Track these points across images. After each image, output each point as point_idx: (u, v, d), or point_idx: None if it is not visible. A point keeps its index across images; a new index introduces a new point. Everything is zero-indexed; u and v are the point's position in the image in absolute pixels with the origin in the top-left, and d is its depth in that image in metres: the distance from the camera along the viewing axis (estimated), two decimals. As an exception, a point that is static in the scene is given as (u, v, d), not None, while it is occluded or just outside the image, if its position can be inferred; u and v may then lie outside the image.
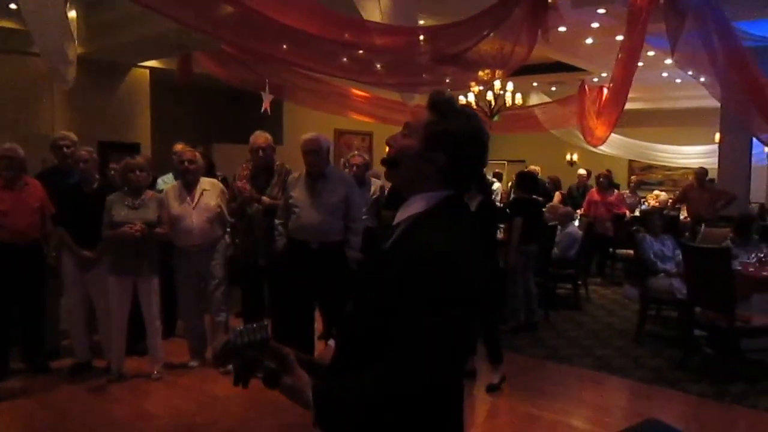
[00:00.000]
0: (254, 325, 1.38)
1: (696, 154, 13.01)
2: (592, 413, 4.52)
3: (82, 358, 4.95)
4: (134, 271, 4.66)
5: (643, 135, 13.84)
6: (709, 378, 4.93)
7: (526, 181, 6.55)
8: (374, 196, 5.98)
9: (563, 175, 12.50)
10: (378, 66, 6.81)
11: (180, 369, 4.99)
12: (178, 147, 5.66)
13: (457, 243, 1.40)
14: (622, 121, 7.70)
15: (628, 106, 7.20)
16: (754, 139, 8.05)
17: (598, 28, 7.92)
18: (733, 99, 6.75)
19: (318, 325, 4.87)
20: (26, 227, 4.73)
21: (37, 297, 4.90)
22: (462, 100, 9.60)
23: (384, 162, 1.60)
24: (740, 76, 6.18)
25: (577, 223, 8.08)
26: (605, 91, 8.19)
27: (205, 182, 5.04)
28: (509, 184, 11.84)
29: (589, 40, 8.67)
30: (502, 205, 8.84)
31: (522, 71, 7.65)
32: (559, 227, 7.32)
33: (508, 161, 14.80)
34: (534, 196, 6.62)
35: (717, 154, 9.10)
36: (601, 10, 7.06)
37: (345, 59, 6.62)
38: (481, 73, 7.54)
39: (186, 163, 4.92)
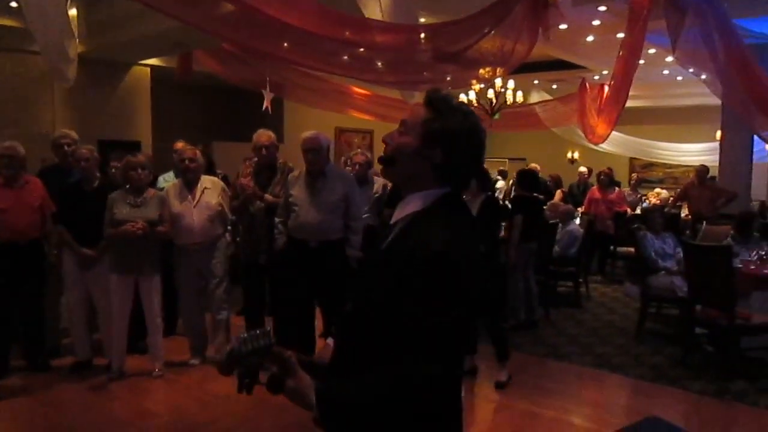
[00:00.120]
0: (257, 332, 1.38)
1: (697, 152, 12.99)
2: (592, 411, 4.52)
3: (82, 356, 4.95)
4: (136, 269, 4.67)
5: (644, 133, 13.82)
6: (709, 376, 4.93)
7: (526, 179, 6.55)
8: (377, 195, 5.97)
9: (564, 173, 12.50)
10: (379, 64, 6.81)
11: (181, 367, 5.00)
12: (179, 145, 5.67)
13: (455, 242, 1.39)
14: (623, 118, 7.69)
15: (629, 103, 7.20)
16: (755, 137, 8.05)
17: (598, 25, 7.92)
18: (734, 96, 6.74)
19: (319, 323, 4.87)
20: (26, 226, 4.73)
21: (38, 295, 4.90)
22: (463, 98, 9.59)
23: (381, 160, 1.60)
24: (741, 73, 6.17)
25: (578, 221, 8.09)
26: (606, 88, 8.18)
27: (206, 180, 5.04)
28: (510, 182, 11.83)
29: (589, 38, 8.67)
30: (504, 203, 8.83)
31: (523, 69, 7.65)
32: (560, 225, 7.32)
33: (509, 159, 14.79)
34: (534, 194, 6.62)
35: (718, 151, 9.10)
36: (602, 8, 7.05)
37: (346, 57, 6.62)
38: (481, 71, 7.55)
39: (187, 162, 4.92)
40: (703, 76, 6.73)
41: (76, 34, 6.60)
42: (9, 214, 4.64)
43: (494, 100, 9.49)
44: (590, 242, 7.89)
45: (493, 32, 5.88)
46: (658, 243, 6.19)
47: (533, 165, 11.49)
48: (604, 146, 10.91)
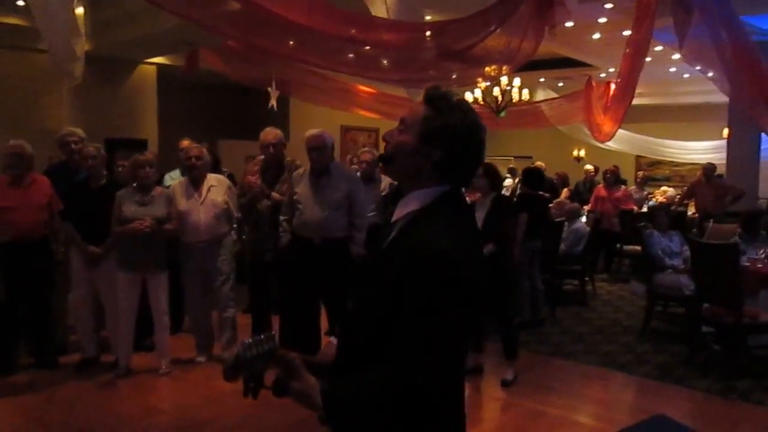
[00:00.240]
0: (261, 337, 1.39)
1: (704, 150, 12.95)
2: (597, 409, 4.52)
3: (89, 353, 4.97)
4: (143, 267, 4.69)
5: (651, 130, 13.77)
6: (715, 374, 4.91)
7: (531, 177, 6.54)
8: (384, 193, 5.95)
9: (570, 171, 12.47)
10: (384, 62, 6.81)
11: (187, 364, 5.01)
12: (185, 143, 5.68)
13: (455, 241, 1.39)
14: (630, 116, 7.67)
15: (635, 101, 7.18)
16: (763, 135, 8.02)
17: (605, 23, 7.89)
18: (741, 94, 6.72)
19: (324, 321, 4.87)
20: (34, 224, 4.75)
21: (45, 293, 4.93)
22: (469, 96, 9.59)
23: (380, 158, 1.60)
24: (748, 70, 6.14)
25: (584, 219, 8.06)
26: (612, 86, 8.17)
27: (212, 178, 5.05)
28: (516, 180, 11.82)
29: (596, 35, 8.64)
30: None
31: (528, 67, 7.64)
32: (566, 223, 7.30)
33: (515, 157, 14.76)
34: (540, 192, 6.61)
35: (725, 149, 9.06)
36: (609, 5, 7.03)
37: (351, 55, 6.62)
38: (487, 68, 7.53)
39: (193, 159, 4.94)
40: (710, 74, 6.72)
41: (82, 32, 6.62)
42: (16, 212, 4.67)
43: (500, 98, 9.48)
44: (596, 240, 7.87)
45: (499, 30, 5.87)
46: (664, 241, 6.16)
47: (539, 163, 11.46)
48: (610, 144, 10.89)
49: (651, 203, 10.86)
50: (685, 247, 5.94)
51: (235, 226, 5.32)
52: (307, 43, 6.09)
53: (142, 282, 4.73)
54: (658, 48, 8.34)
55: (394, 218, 1.52)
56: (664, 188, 12.09)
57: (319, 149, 4.51)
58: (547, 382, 4.85)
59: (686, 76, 11.02)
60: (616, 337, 6.00)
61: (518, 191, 8.86)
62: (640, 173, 13.34)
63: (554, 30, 5.82)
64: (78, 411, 4.25)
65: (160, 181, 5.40)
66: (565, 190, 10.79)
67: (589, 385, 4.99)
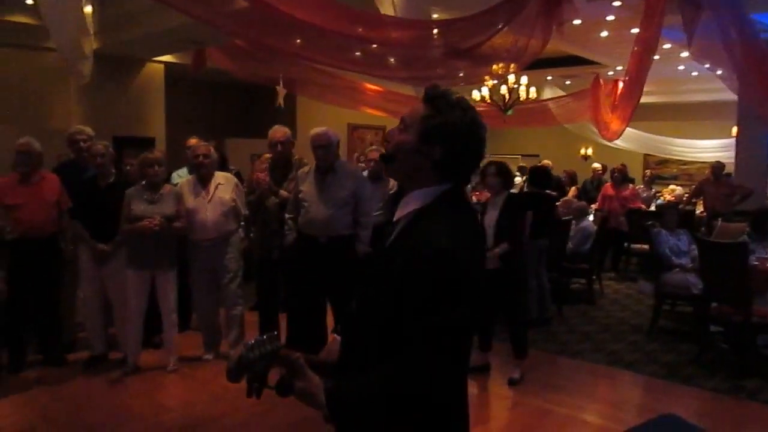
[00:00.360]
0: (264, 337, 1.40)
1: (712, 148, 12.86)
2: (604, 408, 4.51)
3: (98, 350, 5.00)
4: (152, 264, 4.71)
5: (659, 129, 13.70)
6: (723, 374, 4.89)
7: (538, 176, 6.53)
8: (392, 191, 5.95)
9: (577, 169, 12.42)
10: (391, 60, 6.80)
11: (194, 362, 5.03)
12: (192, 141, 5.70)
13: (457, 240, 1.38)
14: (637, 114, 7.62)
15: (643, 99, 7.14)
16: (772, 133, 7.97)
17: (613, 20, 7.85)
18: (750, 92, 6.68)
19: (330, 319, 4.88)
20: (43, 221, 4.78)
21: (54, 290, 4.96)
22: (476, 94, 9.58)
23: (382, 158, 1.60)
24: (757, 68, 6.10)
25: (591, 217, 8.04)
26: (620, 84, 8.12)
27: (220, 176, 5.07)
28: (524, 178, 11.80)
29: (604, 33, 8.60)
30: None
31: (536, 65, 7.60)
32: (573, 222, 7.28)
33: (522, 156, 14.73)
34: (546, 191, 6.59)
35: (734, 148, 9.00)
36: (617, 3, 6.99)
37: (358, 53, 6.62)
38: (494, 67, 7.51)
39: (201, 158, 4.95)
40: (719, 72, 6.67)
41: (91, 30, 6.65)
42: (25, 209, 4.70)
43: (507, 96, 9.46)
44: (603, 239, 7.84)
45: (506, 28, 5.85)
46: (672, 240, 6.14)
47: (546, 161, 11.43)
48: (618, 143, 10.83)
49: (659, 202, 10.81)
50: (693, 246, 5.91)
51: (242, 223, 5.33)
52: (314, 41, 6.09)
53: (151, 279, 4.75)
54: (667, 46, 8.30)
55: (396, 217, 1.52)
56: (672, 187, 12.03)
57: (324, 147, 4.51)
58: (554, 381, 4.85)
59: (695, 74, 10.97)
60: (624, 335, 5.98)
61: (524, 189, 8.87)
62: (648, 172, 13.27)
63: (562, 28, 5.79)
64: (86, 408, 4.28)
65: (167, 179, 5.42)
66: (573, 188, 10.75)
67: (596, 383, 4.98)
